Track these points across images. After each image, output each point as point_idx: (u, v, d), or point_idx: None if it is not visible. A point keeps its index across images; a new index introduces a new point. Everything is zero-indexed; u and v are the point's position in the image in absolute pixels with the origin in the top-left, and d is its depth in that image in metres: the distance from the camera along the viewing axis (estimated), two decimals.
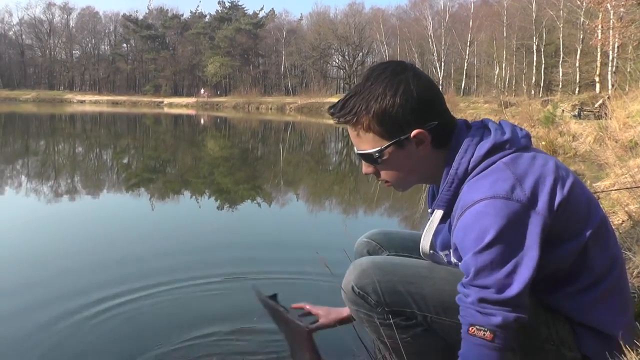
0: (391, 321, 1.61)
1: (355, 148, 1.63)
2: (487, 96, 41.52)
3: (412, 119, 1.50)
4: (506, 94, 39.59)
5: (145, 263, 4.16)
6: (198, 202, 7.53)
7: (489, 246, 1.35)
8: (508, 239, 1.35)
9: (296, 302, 2.14)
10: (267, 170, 11.81)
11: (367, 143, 1.56)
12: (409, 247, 2.00)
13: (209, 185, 9.29)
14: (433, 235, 1.65)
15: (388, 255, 2.01)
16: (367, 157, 1.60)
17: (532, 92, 39.40)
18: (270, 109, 55.46)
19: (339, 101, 1.60)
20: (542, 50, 44.73)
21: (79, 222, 5.95)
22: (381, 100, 1.49)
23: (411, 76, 1.52)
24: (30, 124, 27.67)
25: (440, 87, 42.73)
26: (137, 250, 4.68)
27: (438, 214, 1.58)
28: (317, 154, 16.33)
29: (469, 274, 1.39)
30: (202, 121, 36.75)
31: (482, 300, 1.36)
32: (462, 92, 52.19)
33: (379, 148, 1.55)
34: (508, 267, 1.35)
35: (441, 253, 1.67)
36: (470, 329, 1.37)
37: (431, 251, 1.68)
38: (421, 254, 1.71)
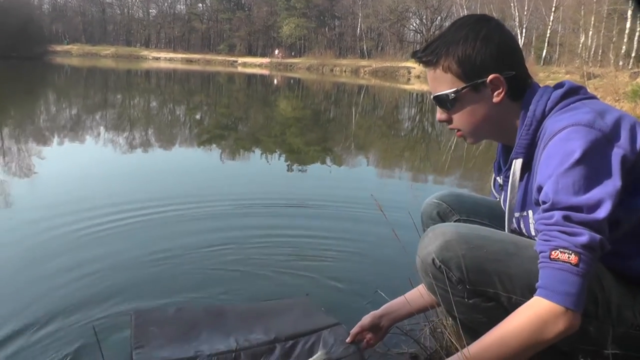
0: (472, 301, 1.47)
1: (431, 94, 1.64)
2: (570, 66, 39.88)
3: (491, 64, 1.51)
4: (590, 64, 37.96)
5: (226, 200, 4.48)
6: (268, 161, 7.55)
7: (573, 166, 1.27)
8: (592, 163, 1.28)
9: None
10: (339, 133, 11.73)
11: (444, 84, 1.56)
12: (482, 212, 1.89)
13: (280, 144, 9.29)
14: None
15: (459, 219, 1.88)
16: (442, 99, 1.58)
17: (621, 62, 37.57)
18: (345, 71, 55.18)
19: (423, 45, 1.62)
20: (638, 15, 42.27)
21: (154, 174, 6.04)
22: (462, 43, 1.51)
23: (494, 25, 1.54)
24: (109, 79, 28.50)
25: None
26: (212, 190, 4.96)
27: (518, 163, 1.52)
28: (390, 119, 16.10)
29: (550, 198, 1.29)
30: (275, 81, 36.95)
31: (567, 219, 1.25)
32: (542, 61, 50.20)
33: (456, 89, 1.54)
34: (593, 190, 1.27)
35: (516, 214, 1.58)
36: (553, 253, 1.25)
37: (523, 213, 1.56)
38: (512, 215, 1.60)
